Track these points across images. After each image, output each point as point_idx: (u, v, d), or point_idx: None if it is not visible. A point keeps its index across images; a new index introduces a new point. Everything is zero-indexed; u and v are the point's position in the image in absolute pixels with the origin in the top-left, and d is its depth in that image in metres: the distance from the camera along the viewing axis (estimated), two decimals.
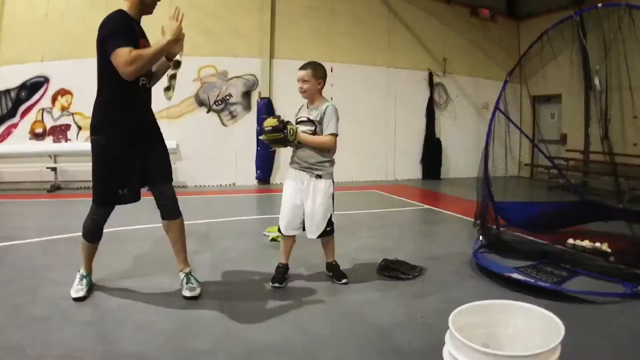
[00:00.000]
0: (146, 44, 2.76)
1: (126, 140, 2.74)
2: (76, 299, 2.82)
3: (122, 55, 2.50)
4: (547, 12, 9.90)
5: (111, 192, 2.80)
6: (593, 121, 8.79)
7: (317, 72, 3.11)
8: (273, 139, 3.05)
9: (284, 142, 3.06)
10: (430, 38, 10.18)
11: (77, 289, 2.88)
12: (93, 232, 2.94)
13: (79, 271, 2.99)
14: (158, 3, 2.85)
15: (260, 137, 3.21)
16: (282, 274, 3.23)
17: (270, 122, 3.02)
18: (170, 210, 2.98)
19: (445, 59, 10.31)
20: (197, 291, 2.94)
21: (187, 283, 2.97)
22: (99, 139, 2.73)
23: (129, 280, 3.24)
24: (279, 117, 3.08)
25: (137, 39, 2.68)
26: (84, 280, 2.95)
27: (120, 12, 2.69)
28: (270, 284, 3.16)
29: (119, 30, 2.57)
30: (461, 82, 10.55)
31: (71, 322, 2.51)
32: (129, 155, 2.77)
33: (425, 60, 10.19)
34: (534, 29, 9.25)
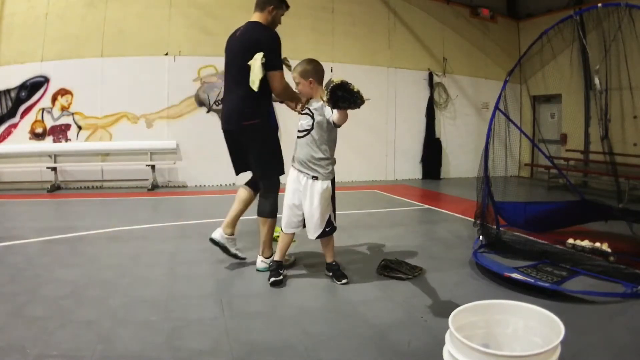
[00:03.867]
0: None
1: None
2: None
3: (280, 78, 3.20)
4: (547, 12, 9.91)
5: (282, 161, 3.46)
6: (593, 121, 8.80)
7: (304, 72, 3.12)
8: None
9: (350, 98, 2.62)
10: (430, 38, 10.18)
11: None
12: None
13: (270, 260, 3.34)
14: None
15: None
16: (275, 269, 3.23)
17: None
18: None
19: (445, 59, 10.31)
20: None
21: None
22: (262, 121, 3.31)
23: (128, 279, 3.24)
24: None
25: None
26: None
27: (271, 30, 3.30)
28: (268, 282, 3.16)
29: (280, 53, 3.22)
30: (461, 82, 10.55)
31: (71, 322, 2.51)
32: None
33: (425, 60, 10.19)
34: (534, 29, 9.27)
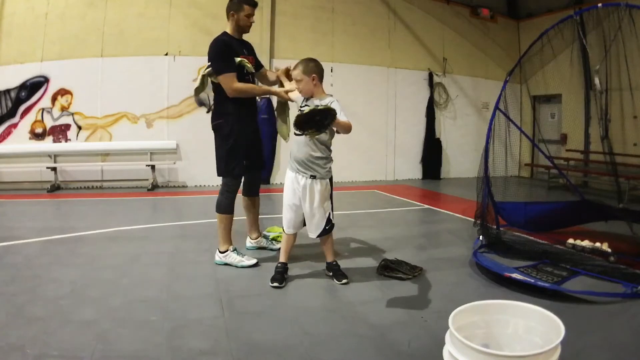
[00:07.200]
0: (246, 56, 3.41)
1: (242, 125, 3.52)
2: (252, 265, 3.49)
3: (227, 81, 3.31)
4: (547, 12, 9.91)
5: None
6: (593, 121, 8.80)
7: (307, 69, 3.08)
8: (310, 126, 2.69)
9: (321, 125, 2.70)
10: (430, 38, 10.18)
11: (244, 260, 3.50)
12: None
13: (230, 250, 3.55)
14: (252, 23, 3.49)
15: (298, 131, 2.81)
16: (281, 273, 3.23)
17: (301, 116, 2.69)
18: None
19: (445, 59, 10.31)
20: (278, 246, 3.64)
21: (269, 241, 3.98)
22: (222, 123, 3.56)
23: (128, 279, 3.24)
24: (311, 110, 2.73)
25: (237, 55, 3.37)
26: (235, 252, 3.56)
27: (222, 36, 3.43)
28: (270, 283, 3.16)
29: (221, 56, 3.32)
30: (461, 82, 10.55)
31: (71, 322, 2.51)
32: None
33: (425, 60, 10.18)
34: (534, 29, 9.27)
